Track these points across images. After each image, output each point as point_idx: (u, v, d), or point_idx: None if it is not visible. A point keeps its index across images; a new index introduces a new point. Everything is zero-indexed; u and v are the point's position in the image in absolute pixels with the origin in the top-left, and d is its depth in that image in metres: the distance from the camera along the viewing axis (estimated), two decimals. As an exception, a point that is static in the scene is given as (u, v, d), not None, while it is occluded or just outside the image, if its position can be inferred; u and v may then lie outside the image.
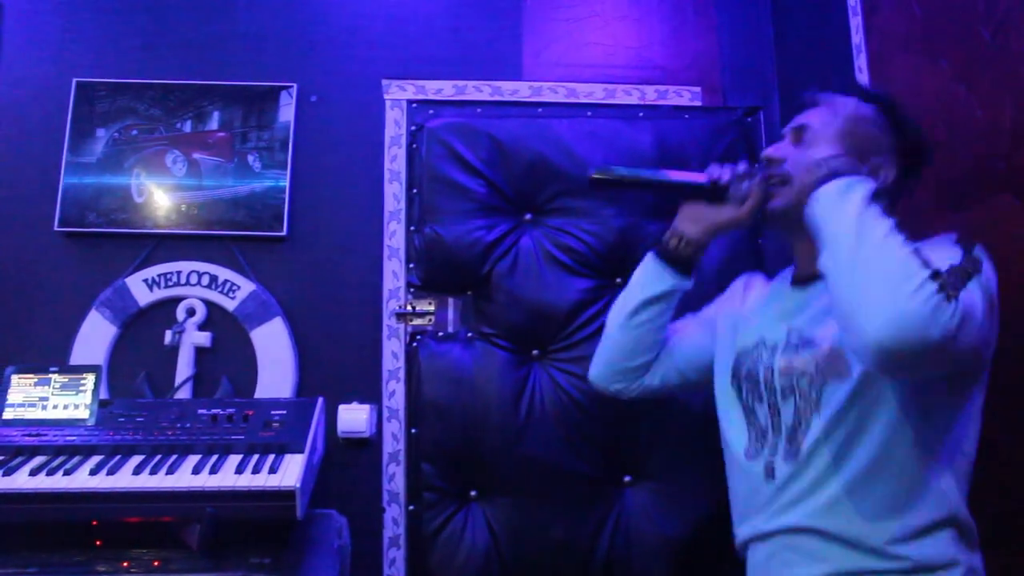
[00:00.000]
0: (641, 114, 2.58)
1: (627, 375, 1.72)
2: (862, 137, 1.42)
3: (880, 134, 1.44)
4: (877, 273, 1.13)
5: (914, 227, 1.22)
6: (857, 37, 2.19)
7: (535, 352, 2.33)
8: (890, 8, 2.05)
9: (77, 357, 2.38)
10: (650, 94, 2.70)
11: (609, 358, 1.73)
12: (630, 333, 1.67)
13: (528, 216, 2.42)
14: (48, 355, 2.34)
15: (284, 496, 1.75)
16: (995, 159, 1.62)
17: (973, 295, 1.13)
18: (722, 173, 1.52)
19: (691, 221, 1.59)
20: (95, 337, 2.41)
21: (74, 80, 2.56)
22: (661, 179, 1.59)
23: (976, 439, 1.29)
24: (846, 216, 1.21)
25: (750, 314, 1.59)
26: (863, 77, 2.14)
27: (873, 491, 1.26)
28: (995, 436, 1.34)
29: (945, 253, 1.19)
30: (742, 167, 1.51)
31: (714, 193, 1.52)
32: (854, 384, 1.27)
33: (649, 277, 1.65)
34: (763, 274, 1.73)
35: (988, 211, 1.64)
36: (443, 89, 2.65)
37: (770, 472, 1.38)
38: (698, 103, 2.70)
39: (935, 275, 1.09)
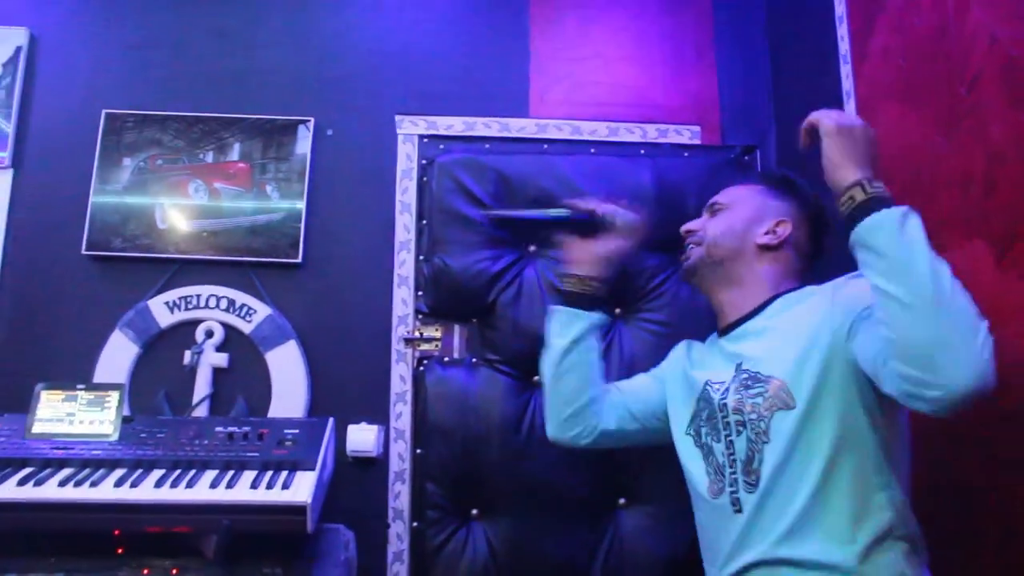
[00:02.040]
0: (642, 151, 2.65)
1: (575, 420, 1.74)
2: (764, 207, 1.65)
3: (780, 203, 1.65)
4: (959, 320, 1.11)
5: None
6: (847, 83, 2.26)
7: (535, 379, 2.35)
8: (877, 59, 2.13)
9: (100, 375, 2.45)
10: (651, 132, 2.77)
11: (554, 410, 1.77)
12: (562, 380, 1.73)
13: (532, 248, 2.47)
14: (73, 372, 2.41)
15: (296, 511, 1.81)
16: (969, 207, 1.69)
17: None
18: (596, 206, 1.75)
19: (578, 263, 1.76)
20: (118, 356, 2.48)
21: (103, 111, 2.65)
22: (540, 217, 1.81)
23: (908, 453, 1.37)
24: (918, 250, 1.17)
25: (697, 366, 1.67)
26: None
27: (830, 512, 1.30)
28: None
29: None
30: (595, 202, 1.76)
31: (595, 223, 1.73)
32: (800, 414, 1.33)
33: (561, 326, 1.75)
34: (698, 340, 1.81)
35: (962, 256, 1.71)
36: (453, 125, 2.72)
37: (736, 505, 1.42)
38: (697, 141, 2.77)
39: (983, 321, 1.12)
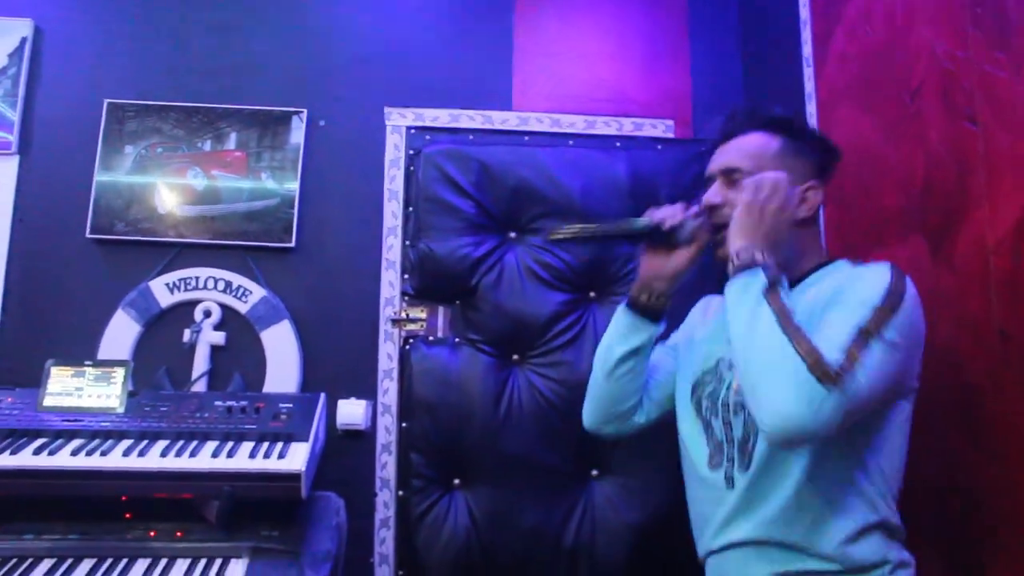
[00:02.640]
0: (618, 144, 2.73)
1: (618, 420, 1.71)
2: (792, 170, 1.46)
3: (803, 161, 1.50)
4: (764, 372, 1.22)
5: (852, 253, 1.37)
6: (809, 86, 2.36)
7: (515, 357, 2.45)
8: (835, 64, 2.23)
9: (104, 352, 2.52)
10: (627, 126, 2.86)
11: (599, 406, 1.71)
12: (615, 383, 1.67)
13: (512, 235, 2.55)
14: (79, 350, 2.46)
15: (291, 478, 1.91)
16: (910, 205, 1.81)
17: (872, 357, 1.21)
18: (664, 216, 1.56)
19: (654, 274, 1.62)
20: (121, 334, 2.56)
21: (105, 101, 2.71)
22: (608, 231, 1.62)
23: (904, 447, 1.36)
24: (741, 314, 1.30)
25: (710, 335, 1.62)
26: (813, 121, 2.31)
27: (815, 498, 1.31)
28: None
29: (864, 295, 1.27)
30: (680, 211, 1.57)
31: (663, 236, 1.56)
32: None
33: (625, 330, 1.65)
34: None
35: (903, 248, 1.83)
36: (439, 117, 2.80)
37: (730, 481, 1.42)
38: (670, 135, 2.85)
39: (815, 365, 1.17)
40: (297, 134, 2.76)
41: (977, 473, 1.53)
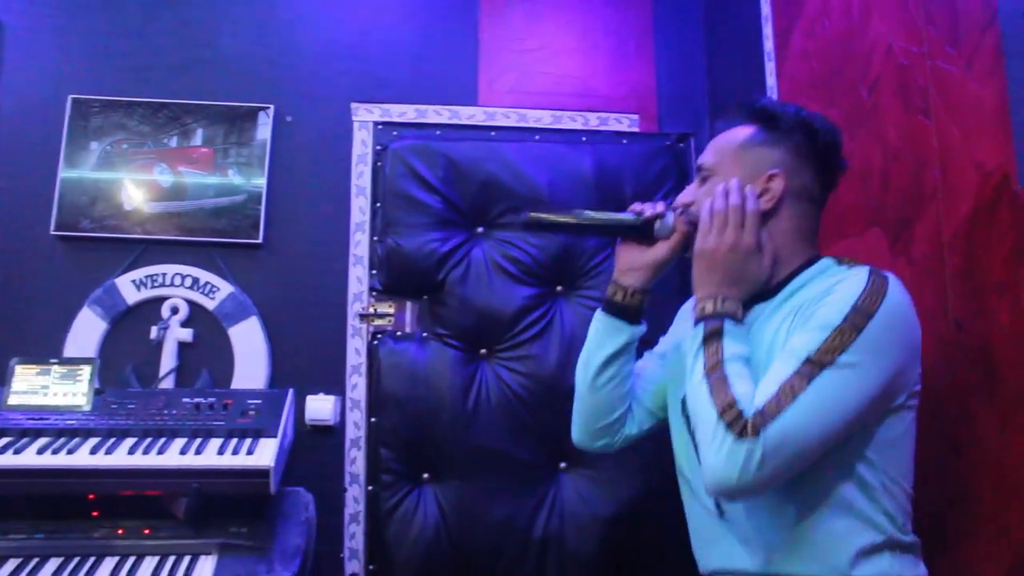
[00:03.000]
0: (584, 139, 2.71)
1: (606, 432, 1.61)
2: (753, 160, 1.40)
3: (769, 150, 1.40)
4: (695, 424, 1.22)
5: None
6: (771, 80, 2.38)
7: (483, 351, 2.45)
8: (796, 59, 2.26)
9: (70, 350, 2.51)
10: (592, 120, 2.87)
11: (586, 420, 1.62)
12: (599, 392, 1.57)
13: (480, 229, 2.54)
14: (43, 348, 2.45)
15: (259, 474, 1.91)
16: (870, 199, 1.84)
17: (816, 390, 1.14)
18: (644, 208, 1.49)
19: (628, 270, 1.53)
20: (87, 332, 2.54)
21: (70, 97, 2.69)
22: (588, 220, 1.53)
23: (910, 458, 1.30)
24: (687, 365, 1.28)
25: None
26: None
27: (819, 528, 1.24)
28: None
29: (825, 316, 1.19)
30: (660, 204, 1.50)
31: (641, 230, 1.49)
32: None
33: (604, 335, 1.56)
34: None
35: (863, 241, 1.86)
36: (406, 112, 2.80)
37: (720, 509, 1.35)
38: (636, 129, 2.87)
39: (725, 414, 1.14)
40: (264, 130, 2.75)
41: (935, 464, 1.54)
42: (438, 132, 2.72)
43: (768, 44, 2.42)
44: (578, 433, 1.65)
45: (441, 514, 2.34)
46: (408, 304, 2.62)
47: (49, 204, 2.63)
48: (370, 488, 2.39)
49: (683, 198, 1.50)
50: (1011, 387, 1.36)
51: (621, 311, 1.55)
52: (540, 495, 2.37)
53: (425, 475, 2.38)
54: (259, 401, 2.22)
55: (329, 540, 2.48)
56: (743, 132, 1.45)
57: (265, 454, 1.97)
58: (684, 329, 1.49)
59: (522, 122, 2.85)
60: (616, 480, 2.33)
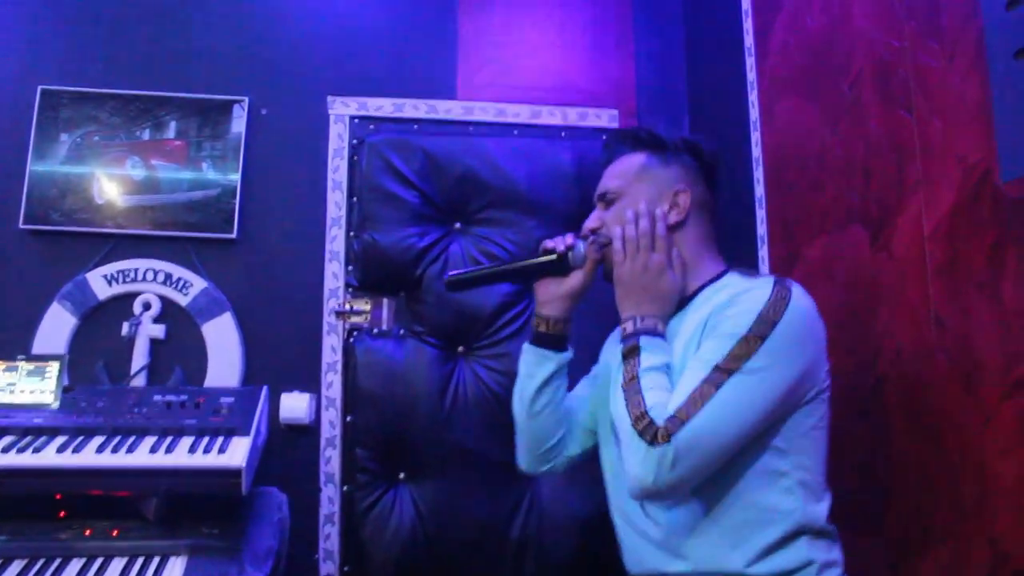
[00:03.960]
0: (563, 134, 2.76)
1: (549, 456, 1.70)
2: (656, 180, 1.55)
3: (668, 170, 1.56)
4: (617, 435, 1.31)
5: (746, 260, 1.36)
6: (751, 75, 2.38)
7: (460, 349, 2.47)
8: (777, 54, 2.25)
9: (39, 346, 2.47)
10: (572, 115, 2.85)
11: (529, 447, 1.71)
12: (537, 420, 1.66)
13: (457, 225, 2.57)
14: (11, 344, 2.41)
15: (231, 474, 1.88)
16: (852, 193, 1.83)
17: (725, 394, 1.23)
18: (555, 244, 1.58)
19: (547, 302, 1.62)
20: (56, 328, 2.50)
21: (39, 88, 2.63)
22: (505, 269, 1.72)
23: (823, 448, 1.37)
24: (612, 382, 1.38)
25: None
26: (755, 111, 2.34)
27: (735, 521, 1.32)
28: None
29: (732, 326, 1.29)
30: (569, 236, 1.59)
31: (556, 265, 1.58)
32: None
33: (534, 365, 1.65)
34: None
35: (845, 236, 1.85)
36: (383, 106, 2.76)
37: (646, 512, 1.43)
38: (615, 125, 2.85)
39: (637, 422, 1.23)
40: (239, 123, 2.71)
41: (916, 460, 1.56)
42: (416, 126, 2.74)
43: (748, 39, 2.41)
44: (523, 460, 1.74)
45: (418, 514, 2.35)
46: (385, 301, 2.60)
47: (18, 197, 2.58)
48: (345, 488, 2.42)
49: (590, 224, 1.61)
50: (993, 383, 1.36)
51: (547, 341, 1.64)
52: (517, 495, 2.40)
53: (401, 475, 2.40)
54: (232, 399, 2.19)
55: (303, 541, 2.44)
56: (637, 158, 1.59)
57: (237, 453, 1.94)
58: (612, 353, 1.57)
59: (501, 117, 2.82)
60: (595, 480, 2.26)
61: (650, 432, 1.22)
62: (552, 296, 1.62)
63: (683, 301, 1.49)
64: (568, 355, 1.67)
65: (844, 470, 1.66)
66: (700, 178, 1.58)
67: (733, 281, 1.47)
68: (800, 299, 1.33)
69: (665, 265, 1.46)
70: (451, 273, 1.64)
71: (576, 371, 1.73)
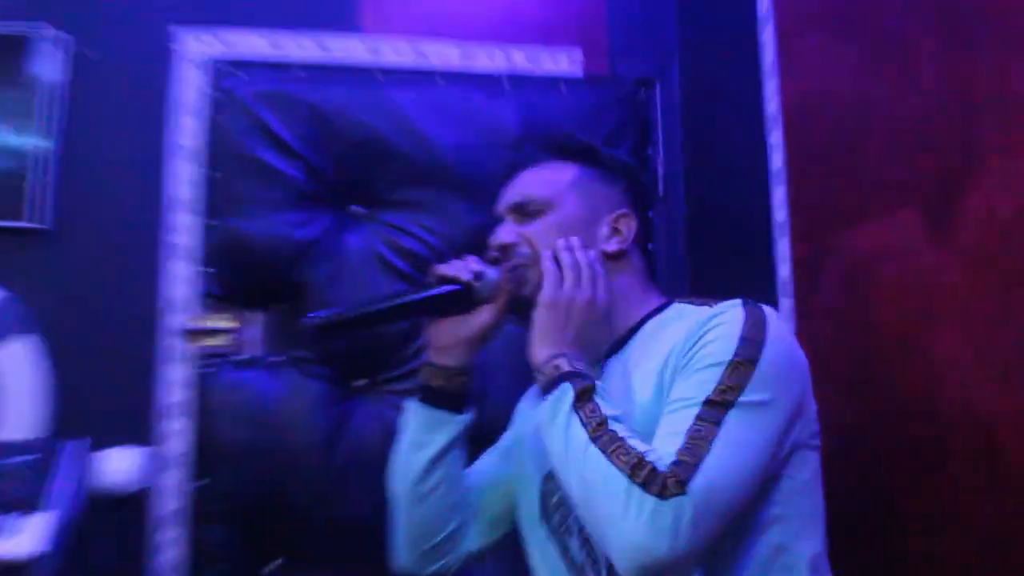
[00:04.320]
0: (506, 84, 2.73)
1: (438, 552, 1.68)
2: (594, 198, 1.62)
3: (608, 189, 1.64)
4: (591, 501, 1.27)
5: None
6: (764, 5, 2.38)
7: (361, 382, 2.45)
8: None
9: None
10: (518, 58, 2.82)
11: (412, 540, 1.68)
12: (425, 504, 1.64)
13: (358, 209, 2.55)
14: None
15: (19, 570, 1.82)
16: (901, 164, 1.81)
17: (729, 434, 1.24)
18: (455, 272, 1.57)
19: (445, 348, 1.63)
20: None
21: None
22: (390, 306, 1.60)
23: (819, 502, 1.42)
24: (556, 440, 1.35)
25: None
26: (769, 52, 2.34)
27: None
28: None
29: (713, 355, 1.32)
30: (472, 260, 1.59)
31: (458, 298, 1.57)
32: None
33: (424, 431, 1.64)
34: None
35: (891, 224, 1.83)
36: (255, 44, 2.72)
37: None
38: (578, 70, 2.83)
39: (636, 474, 1.20)
40: (42, 65, 2.62)
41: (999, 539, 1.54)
42: (301, 73, 2.71)
43: (760, -45, 2.40)
44: (404, 556, 1.71)
45: (301, 621, 2.33)
46: (253, 316, 2.56)
47: None
48: (194, 586, 2.36)
49: (503, 237, 1.62)
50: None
51: (443, 399, 1.63)
52: (442, 584, 2.34)
53: (277, 561, 2.37)
54: (27, 458, 2.16)
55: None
56: (570, 168, 1.66)
57: (31, 537, 1.90)
58: (531, 415, 1.60)
59: (421, 61, 2.80)
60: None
61: (656, 484, 1.18)
62: (452, 340, 1.62)
63: (619, 341, 1.55)
64: (469, 417, 1.66)
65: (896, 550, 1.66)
66: (636, 207, 1.67)
67: (686, 311, 1.52)
68: (775, 318, 1.40)
69: (607, 310, 1.51)
70: (315, 315, 1.53)
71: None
